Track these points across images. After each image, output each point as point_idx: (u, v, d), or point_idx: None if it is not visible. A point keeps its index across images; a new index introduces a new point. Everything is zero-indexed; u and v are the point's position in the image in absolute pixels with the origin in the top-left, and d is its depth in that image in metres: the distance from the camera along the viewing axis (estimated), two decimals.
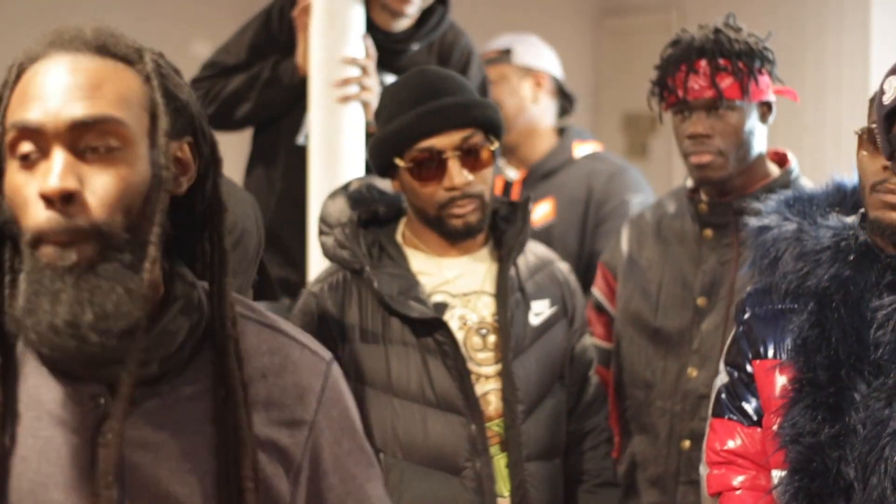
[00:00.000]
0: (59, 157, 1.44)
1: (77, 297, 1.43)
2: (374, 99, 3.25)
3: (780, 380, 2.32)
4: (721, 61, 2.79)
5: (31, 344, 1.48)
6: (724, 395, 2.46)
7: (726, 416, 2.44)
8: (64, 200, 1.43)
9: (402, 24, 3.50)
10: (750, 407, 2.42)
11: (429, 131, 2.68)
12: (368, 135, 3.33)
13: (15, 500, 1.48)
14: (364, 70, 3.38)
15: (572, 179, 3.88)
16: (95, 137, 1.46)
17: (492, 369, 2.72)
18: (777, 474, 2.32)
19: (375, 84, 3.38)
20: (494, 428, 2.70)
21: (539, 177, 3.91)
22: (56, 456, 1.49)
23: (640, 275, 3.08)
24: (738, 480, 2.41)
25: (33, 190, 1.45)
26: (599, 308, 3.21)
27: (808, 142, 4.29)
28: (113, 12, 4.97)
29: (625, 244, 3.15)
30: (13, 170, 1.47)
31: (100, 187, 1.45)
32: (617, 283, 3.16)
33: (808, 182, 2.94)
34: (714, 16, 2.86)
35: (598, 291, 3.20)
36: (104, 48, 1.52)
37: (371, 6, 3.45)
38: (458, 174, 2.67)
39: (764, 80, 2.84)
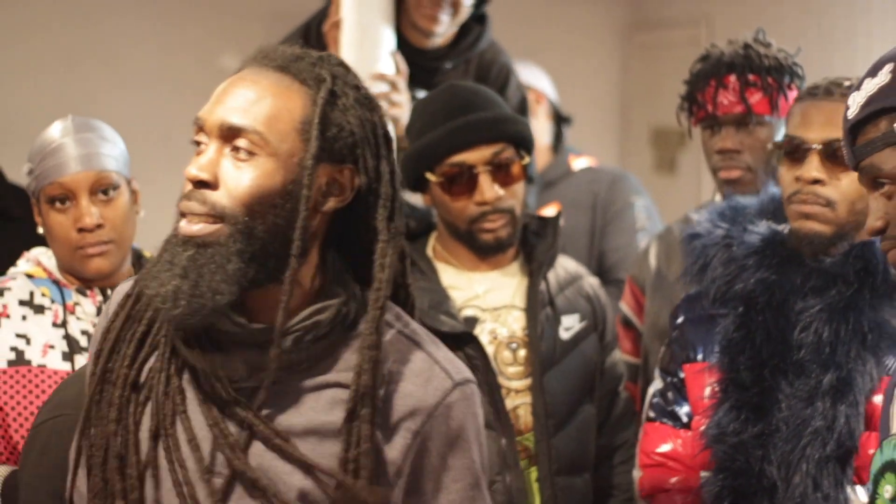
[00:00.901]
0: (210, 150, 1.72)
1: (187, 270, 1.68)
2: (403, 115, 3.26)
3: (708, 382, 2.38)
4: (750, 76, 2.79)
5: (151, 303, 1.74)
6: (656, 400, 2.52)
7: (658, 420, 2.51)
8: (199, 185, 1.70)
9: (436, 42, 3.51)
10: (681, 410, 2.48)
11: (460, 146, 2.69)
12: (398, 150, 3.34)
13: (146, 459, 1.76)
14: (393, 86, 3.39)
15: (574, 187, 3.95)
16: (240, 141, 1.70)
17: (522, 384, 2.73)
18: (704, 474, 2.37)
19: (406, 100, 3.39)
20: (524, 442, 2.71)
21: (540, 187, 3.95)
22: (193, 426, 1.74)
23: (669, 289, 3.07)
24: (669, 482, 2.47)
25: (188, 171, 1.73)
26: (627, 323, 3.20)
27: None
28: (143, 25, 5.02)
29: (653, 259, 3.15)
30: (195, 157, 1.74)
31: (231, 181, 1.70)
32: (645, 298, 3.16)
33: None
34: (743, 31, 2.86)
35: (626, 306, 3.20)
36: (286, 68, 1.75)
37: (403, 25, 3.47)
38: (488, 189, 2.68)
39: (793, 95, 2.84)
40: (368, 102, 1.78)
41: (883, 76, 1.74)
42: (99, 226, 2.60)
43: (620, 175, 4.01)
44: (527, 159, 2.74)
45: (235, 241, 1.69)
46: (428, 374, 1.76)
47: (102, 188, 2.61)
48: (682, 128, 2.94)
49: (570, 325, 2.81)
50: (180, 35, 5.08)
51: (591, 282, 2.92)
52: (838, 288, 2.28)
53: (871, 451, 2.18)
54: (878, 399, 2.24)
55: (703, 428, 2.36)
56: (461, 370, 1.80)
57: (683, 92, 2.90)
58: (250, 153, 1.70)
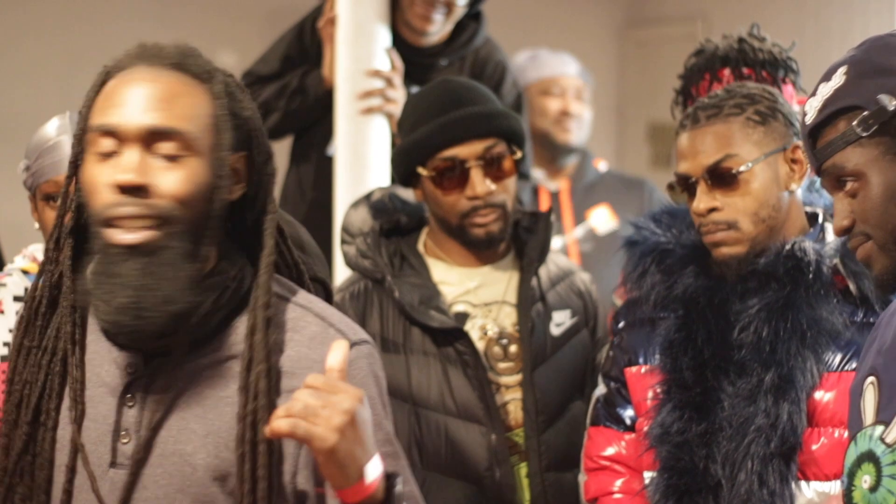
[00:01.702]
0: (132, 155, 1.70)
1: (142, 280, 1.68)
2: (398, 111, 3.25)
3: (650, 384, 2.42)
4: (745, 70, 2.78)
5: (97, 315, 1.74)
6: (600, 405, 2.55)
7: (602, 424, 2.54)
8: (134, 190, 1.68)
9: (431, 40, 3.51)
10: (625, 413, 2.51)
11: (452, 140, 2.69)
12: (394, 146, 3.34)
13: (58, 447, 1.78)
14: (389, 82, 3.39)
15: (614, 188, 4.10)
16: (165, 144, 1.70)
17: (512, 379, 2.72)
18: (649, 475, 2.40)
19: (401, 96, 3.39)
20: (514, 438, 2.70)
21: (582, 189, 4.06)
22: (93, 412, 1.77)
23: None
24: (614, 485, 2.49)
25: (107, 178, 1.70)
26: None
27: None
28: (140, 23, 5.02)
29: None
30: (92, 163, 1.72)
31: (164, 183, 1.70)
32: None
33: None
34: (739, 27, 2.85)
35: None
36: (181, 65, 1.77)
37: (398, 22, 3.47)
38: (480, 183, 2.68)
39: (788, 90, 2.82)
40: (243, 89, 1.85)
41: (837, 78, 1.80)
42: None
43: (640, 181, 4.24)
44: (518, 154, 2.73)
45: (181, 243, 1.71)
46: (323, 337, 1.77)
47: None
48: (677, 122, 2.94)
49: (561, 321, 2.81)
50: (178, 36, 5.07)
51: (583, 277, 2.92)
52: (774, 287, 2.32)
53: (814, 447, 2.27)
54: (818, 395, 2.29)
55: (646, 428, 2.39)
56: (357, 331, 1.82)
57: (678, 86, 2.89)
58: (175, 155, 1.71)
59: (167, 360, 1.76)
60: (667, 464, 2.34)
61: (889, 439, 1.66)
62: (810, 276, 2.31)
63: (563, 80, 4.14)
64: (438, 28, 3.46)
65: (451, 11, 3.44)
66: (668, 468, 2.33)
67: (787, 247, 2.34)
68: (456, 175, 2.69)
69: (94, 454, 1.76)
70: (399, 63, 3.43)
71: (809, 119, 1.82)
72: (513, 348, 2.74)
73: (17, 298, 2.65)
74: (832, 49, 4.35)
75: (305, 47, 3.58)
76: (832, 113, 1.79)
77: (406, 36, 3.49)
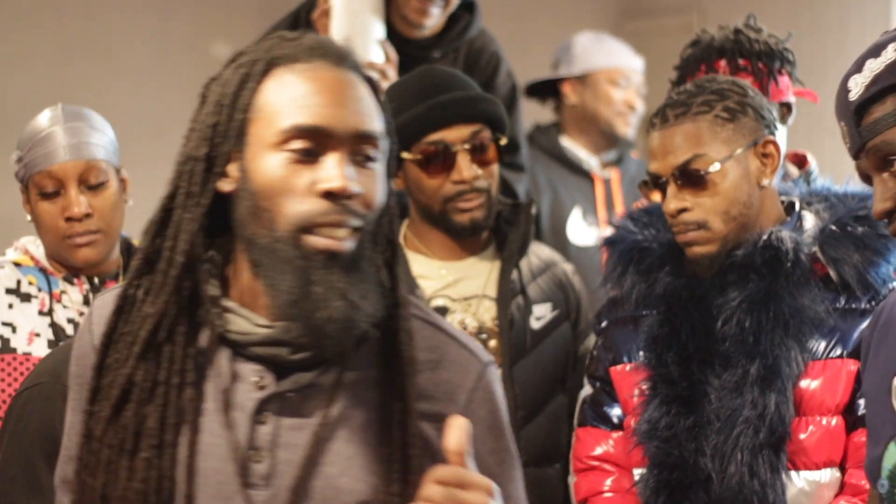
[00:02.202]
0: (341, 159, 1.58)
1: (352, 289, 1.56)
2: None
3: (636, 381, 2.42)
4: (741, 61, 2.77)
5: (305, 323, 1.57)
6: (587, 406, 2.56)
7: (590, 425, 2.54)
8: (345, 197, 1.56)
9: (424, 32, 3.50)
10: (612, 413, 2.52)
11: (439, 123, 2.67)
12: None
13: (179, 465, 1.61)
14: (383, 74, 3.37)
15: None
16: (366, 148, 1.60)
17: None
18: (638, 472, 2.40)
19: None
20: None
21: (630, 179, 4.04)
22: (219, 428, 1.61)
23: None
24: (604, 484, 2.50)
25: (305, 182, 1.56)
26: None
27: (829, 145, 4.27)
28: (136, 13, 5.01)
29: None
30: (283, 161, 1.57)
31: (368, 190, 1.60)
32: None
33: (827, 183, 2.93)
34: (735, 18, 2.85)
35: None
36: (357, 67, 1.65)
37: (392, 14, 3.45)
38: (467, 167, 2.66)
39: (784, 80, 2.82)
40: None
41: (888, 55, 1.75)
42: (87, 215, 2.59)
43: None
44: (504, 140, 2.72)
45: (368, 250, 1.62)
46: (457, 358, 1.70)
47: (91, 178, 2.60)
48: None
49: (541, 315, 2.79)
50: (172, 27, 5.07)
51: (566, 269, 2.90)
52: (754, 279, 2.33)
53: (803, 436, 2.29)
54: (805, 384, 2.30)
55: (634, 425, 2.39)
56: (480, 348, 1.75)
57: (674, 77, 2.88)
58: (372, 158, 1.62)
59: (302, 376, 1.62)
60: (656, 459, 2.34)
61: None
62: (789, 264, 2.31)
63: (631, 74, 4.13)
64: (435, 21, 3.45)
65: (447, 4, 3.43)
66: (657, 464, 2.34)
67: (764, 237, 2.34)
68: (441, 159, 2.67)
69: (223, 473, 1.61)
70: (393, 55, 3.42)
71: (855, 96, 1.78)
72: (492, 343, 2.72)
73: (9, 291, 2.64)
74: (827, 39, 4.34)
75: None
76: (882, 90, 1.75)
77: (400, 28, 3.48)
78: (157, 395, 1.60)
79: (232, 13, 5.17)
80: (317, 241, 1.56)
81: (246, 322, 1.61)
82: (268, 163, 1.57)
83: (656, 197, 2.42)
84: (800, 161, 2.98)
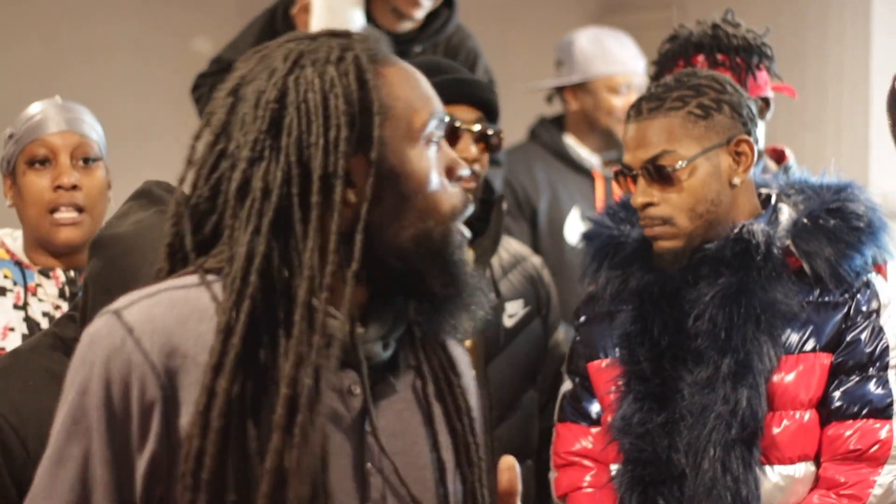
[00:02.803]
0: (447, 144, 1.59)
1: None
2: None
3: (612, 377, 2.42)
4: (719, 56, 2.77)
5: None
6: (566, 402, 2.56)
7: (569, 420, 2.54)
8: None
9: (406, 26, 3.49)
10: (591, 408, 2.52)
11: (450, 98, 2.62)
12: None
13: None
14: None
15: None
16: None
17: None
18: (615, 467, 2.41)
19: None
20: None
21: None
22: (332, 442, 1.48)
23: None
24: (584, 480, 2.50)
25: (440, 169, 1.55)
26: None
27: (808, 139, 4.28)
28: (117, 8, 4.99)
29: None
30: (422, 153, 1.54)
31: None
32: None
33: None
34: (715, 13, 2.85)
35: None
36: None
37: (375, 7, 3.45)
38: (471, 146, 2.64)
39: (762, 75, 2.82)
40: None
41: None
42: (75, 187, 2.59)
43: None
44: (502, 136, 2.72)
45: None
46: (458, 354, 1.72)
47: (84, 155, 2.62)
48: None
49: (513, 312, 2.78)
50: (157, 34, 5.06)
51: (535, 262, 2.89)
52: (725, 273, 2.32)
53: (776, 431, 2.29)
54: (777, 378, 2.30)
55: (609, 422, 2.39)
56: None
57: (652, 72, 2.89)
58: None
59: (385, 378, 1.56)
60: (630, 455, 2.35)
61: None
62: (759, 258, 2.31)
63: (632, 78, 4.03)
64: (424, 13, 3.45)
65: None
66: (631, 460, 2.34)
67: (735, 231, 2.34)
68: (447, 134, 2.65)
69: (345, 491, 1.50)
70: None
71: None
72: (467, 343, 2.71)
73: None
74: (807, 36, 4.35)
75: (277, 33, 3.55)
76: None
77: (381, 21, 3.47)
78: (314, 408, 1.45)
79: (212, 6, 5.16)
80: (460, 227, 1.56)
81: (342, 324, 1.49)
82: (412, 156, 1.53)
83: (627, 189, 2.42)
84: (778, 156, 2.98)
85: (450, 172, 1.57)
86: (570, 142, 4.04)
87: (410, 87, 1.57)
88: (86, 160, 2.63)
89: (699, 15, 2.93)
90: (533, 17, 5.08)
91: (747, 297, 2.30)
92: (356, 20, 3.40)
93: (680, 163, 2.32)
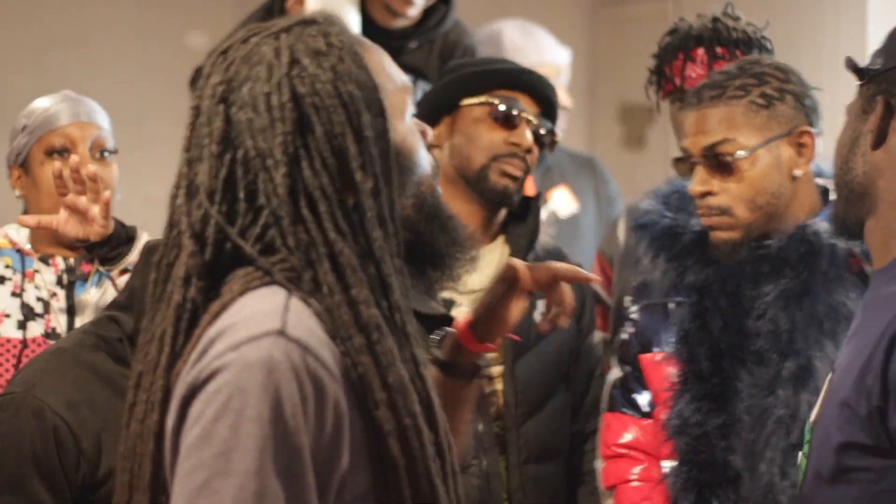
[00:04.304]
0: None
1: None
2: None
3: (667, 372, 2.38)
4: (718, 49, 2.78)
5: None
6: (616, 390, 2.54)
7: (619, 410, 2.52)
8: None
9: (402, 22, 3.49)
10: (641, 399, 2.49)
11: (519, 86, 2.70)
12: None
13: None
14: None
15: (569, 168, 3.93)
16: None
17: (495, 370, 2.69)
18: (667, 465, 2.37)
19: None
20: (495, 429, 2.67)
21: (542, 170, 3.89)
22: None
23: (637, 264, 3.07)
24: (632, 472, 2.48)
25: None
26: (597, 299, 3.19)
27: None
28: (114, 4, 4.98)
29: (621, 234, 3.15)
30: (406, 122, 1.58)
31: None
32: (613, 272, 3.15)
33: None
34: (709, 6, 2.85)
35: (597, 287, 3.19)
36: None
37: (371, 3, 3.45)
38: (528, 135, 2.68)
39: None
40: None
41: None
42: (95, 179, 2.57)
43: (591, 160, 4.10)
44: (557, 138, 2.78)
45: None
46: None
47: (101, 147, 2.65)
48: (651, 102, 2.94)
49: (545, 309, 2.78)
50: (150, 18, 5.05)
51: (571, 260, 2.90)
52: (788, 273, 2.27)
53: None
54: None
55: (664, 419, 2.35)
56: None
57: (652, 65, 2.89)
58: None
59: None
60: (686, 456, 2.30)
61: None
62: (824, 261, 2.25)
63: (558, 70, 3.94)
64: (418, 10, 3.44)
65: None
66: (687, 461, 2.30)
67: (800, 231, 2.27)
68: (506, 117, 2.68)
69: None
70: None
71: None
72: None
73: None
74: (802, 26, 4.36)
75: None
76: None
77: (377, 17, 3.47)
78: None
79: (207, 2, 5.15)
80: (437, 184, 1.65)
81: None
82: (405, 131, 1.58)
83: (686, 174, 2.38)
84: None
85: (424, 137, 1.61)
86: None
87: (388, 65, 1.58)
88: (102, 152, 2.64)
89: (694, 7, 2.93)
90: (527, 11, 5.06)
91: (810, 299, 2.24)
92: (350, 16, 3.40)
93: (740, 152, 2.27)
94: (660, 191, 2.49)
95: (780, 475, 2.20)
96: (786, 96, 2.31)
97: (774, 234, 2.28)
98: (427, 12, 3.54)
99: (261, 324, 1.36)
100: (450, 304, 2.70)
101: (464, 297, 2.72)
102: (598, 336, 2.92)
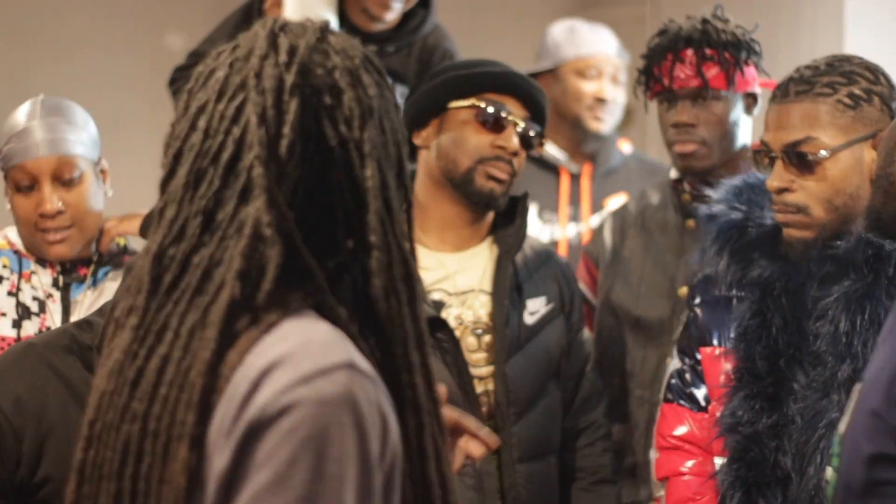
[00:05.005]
0: None
1: None
2: None
3: (724, 368, 2.35)
4: (707, 51, 2.79)
5: None
6: (675, 381, 2.50)
7: (676, 402, 2.49)
8: None
9: (380, 26, 3.48)
10: (699, 393, 2.46)
11: (507, 89, 2.71)
12: None
13: None
14: None
15: (636, 174, 3.83)
16: None
17: (485, 370, 2.70)
18: (719, 461, 2.35)
19: None
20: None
21: (603, 174, 3.85)
22: None
23: (622, 265, 3.08)
24: (685, 466, 2.45)
25: None
26: (582, 299, 3.20)
27: None
28: (92, 16, 4.95)
29: (608, 234, 3.15)
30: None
31: None
32: (599, 273, 3.16)
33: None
34: (688, 8, 2.86)
35: (580, 282, 3.19)
36: None
37: (349, 6, 3.43)
38: (515, 138, 2.68)
39: (750, 71, 2.85)
40: None
41: None
42: (59, 212, 2.62)
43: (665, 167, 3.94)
44: (544, 145, 2.78)
45: None
46: None
47: (65, 173, 2.63)
48: (631, 101, 2.95)
49: (535, 309, 2.78)
50: (132, 32, 5.03)
51: (559, 260, 2.91)
52: (853, 276, 2.23)
53: None
54: None
55: (718, 415, 2.33)
56: None
57: (640, 66, 2.90)
58: None
59: None
60: (736, 454, 2.28)
61: None
62: (891, 266, 2.21)
63: (602, 63, 3.81)
64: (395, 15, 3.43)
65: None
66: (736, 459, 2.28)
67: (868, 234, 2.20)
68: (493, 121, 2.68)
69: None
70: None
71: None
72: (487, 338, 2.71)
73: None
74: (780, 21, 4.38)
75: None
76: None
77: (356, 20, 3.45)
78: None
79: (185, 11, 5.13)
80: None
81: None
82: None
83: (764, 167, 2.33)
84: None
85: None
86: None
87: None
88: (68, 177, 2.63)
89: (672, 10, 2.95)
90: (507, 12, 5.08)
91: (873, 303, 2.19)
92: (328, 19, 3.39)
93: (823, 151, 2.22)
94: (732, 183, 2.44)
95: (827, 480, 2.14)
96: (873, 98, 2.26)
97: (845, 235, 2.25)
98: (406, 16, 3.52)
99: (326, 354, 1.25)
100: (439, 305, 2.70)
101: (453, 298, 2.72)
102: (585, 334, 2.92)
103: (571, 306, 2.85)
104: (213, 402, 1.25)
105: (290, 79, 1.34)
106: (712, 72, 2.80)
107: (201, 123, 1.35)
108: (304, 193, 1.32)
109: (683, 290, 2.94)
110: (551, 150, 3.83)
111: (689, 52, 2.80)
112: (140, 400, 1.29)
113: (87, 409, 1.35)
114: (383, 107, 1.38)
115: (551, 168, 3.85)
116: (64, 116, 2.67)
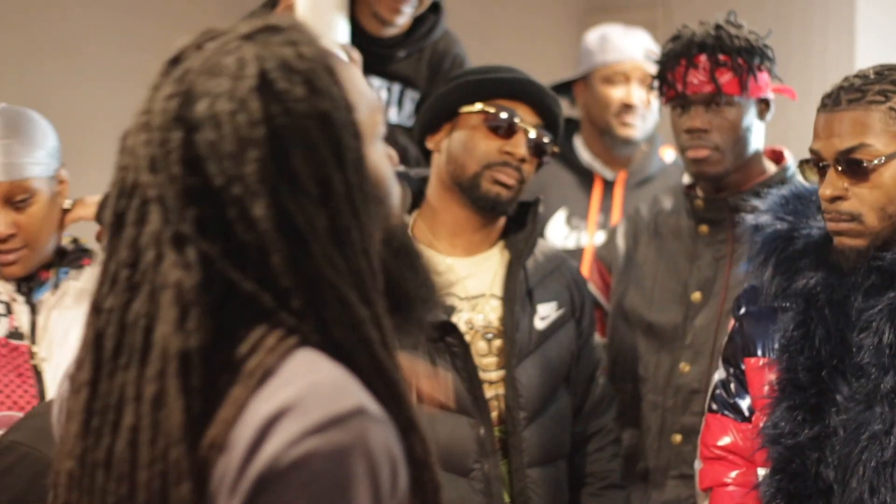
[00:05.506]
0: None
1: None
2: None
3: (768, 378, 2.34)
4: (721, 57, 2.79)
5: None
6: (719, 391, 2.49)
7: (721, 412, 2.47)
8: None
9: (391, 31, 3.49)
10: (743, 403, 2.44)
11: (520, 96, 2.71)
12: None
13: None
14: None
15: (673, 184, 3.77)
16: None
17: (496, 375, 2.70)
18: (762, 472, 2.33)
19: None
20: (496, 433, 2.68)
21: (638, 181, 3.79)
22: None
23: (635, 270, 3.08)
24: (728, 476, 2.44)
25: None
26: (594, 303, 3.20)
27: (793, 137, 4.30)
28: (98, 10, 4.96)
29: (621, 239, 3.15)
30: (378, 146, 1.41)
31: None
32: (611, 278, 3.16)
33: (803, 180, 2.94)
34: (700, 14, 2.87)
35: (592, 286, 3.19)
36: None
37: (360, 11, 3.44)
38: (522, 145, 2.68)
39: (763, 77, 2.85)
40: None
41: None
42: (11, 235, 2.65)
43: None
44: (556, 150, 2.77)
45: None
46: None
47: (17, 196, 2.66)
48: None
49: (546, 314, 2.78)
50: (139, 27, 5.03)
51: (571, 266, 2.90)
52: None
53: None
54: None
55: (760, 426, 2.32)
56: None
57: (654, 71, 2.90)
58: None
59: None
60: (778, 465, 2.27)
61: None
62: None
63: (626, 66, 3.75)
64: (406, 19, 3.44)
65: (420, 3, 3.42)
66: (779, 470, 2.26)
67: None
68: (504, 126, 2.69)
69: None
70: (357, 55, 3.40)
71: None
72: (497, 343, 2.71)
73: None
74: (791, 27, 4.38)
75: None
76: None
77: (367, 25, 3.46)
78: None
79: (195, 9, 5.14)
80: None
81: None
82: (378, 157, 1.40)
83: (812, 177, 2.31)
84: (776, 157, 3.01)
85: (391, 162, 1.44)
86: (577, 143, 3.84)
87: (360, 82, 1.40)
88: (20, 202, 2.65)
89: (684, 15, 2.95)
90: (517, 17, 5.08)
91: None
92: (340, 24, 3.39)
93: (879, 158, 2.21)
94: (779, 193, 2.44)
95: (870, 492, 2.16)
96: None
97: (892, 245, 2.24)
98: (416, 21, 3.53)
99: (335, 400, 1.20)
100: (450, 310, 2.70)
101: (464, 302, 2.73)
102: (596, 339, 2.92)
103: (582, 311, 2.85)
104: (210, 441, 1.20)
105: (172, 111, 1.27)
106: (725, 77, 2.81)
107: (125, 158, 1.32)
108: (220, 232, 1.24)
109: (696, 296, 2.94)
110: (586, 155, 3.81)
111: (703, 58, 2.80)
112: (118, 481, 1.22)
113: (50, 491, 1.28)
114: (294, 125, 1.26)
115: (586, 174, 3.81)
116: (19, 137, 2.66)
